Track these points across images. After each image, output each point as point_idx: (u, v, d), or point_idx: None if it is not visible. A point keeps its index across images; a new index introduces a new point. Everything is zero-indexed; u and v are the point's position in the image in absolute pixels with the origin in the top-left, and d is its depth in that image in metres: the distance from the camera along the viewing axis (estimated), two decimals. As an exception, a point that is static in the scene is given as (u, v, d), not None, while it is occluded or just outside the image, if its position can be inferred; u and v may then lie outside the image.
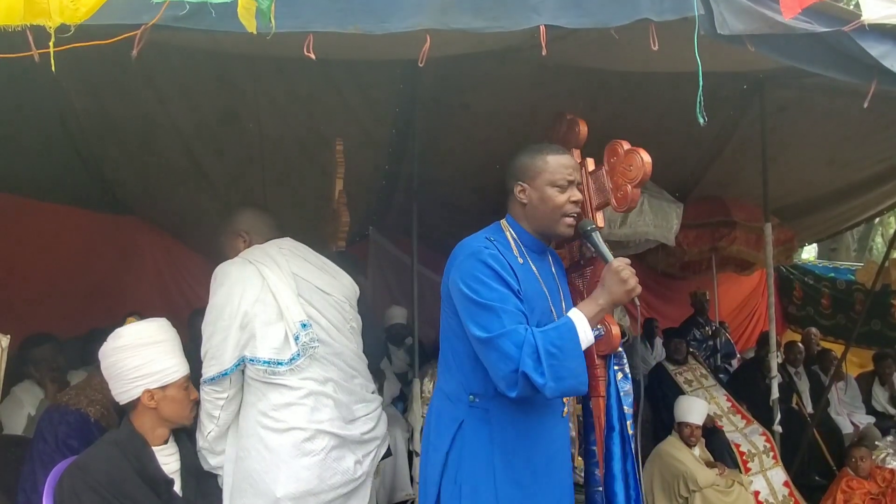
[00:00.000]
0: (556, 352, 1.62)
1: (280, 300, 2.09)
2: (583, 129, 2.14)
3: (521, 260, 1.85)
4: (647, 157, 1.90)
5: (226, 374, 2.05)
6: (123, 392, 1.95)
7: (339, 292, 2.29)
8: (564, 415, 1.89)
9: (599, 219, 2.06)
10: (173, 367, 2.00)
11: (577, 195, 1.86)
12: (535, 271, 1.86)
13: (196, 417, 2.11)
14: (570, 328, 1.67)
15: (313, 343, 2.09)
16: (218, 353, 2.05)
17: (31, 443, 2.38)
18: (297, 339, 2.06)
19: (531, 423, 1.81)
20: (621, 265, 1.74)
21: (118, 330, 2.03)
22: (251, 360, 2.06)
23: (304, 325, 2.08)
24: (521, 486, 1.77)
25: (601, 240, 1.87)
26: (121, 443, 1.92)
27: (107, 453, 1.89)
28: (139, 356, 1.95)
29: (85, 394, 2.38)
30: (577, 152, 2.15)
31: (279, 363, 2.05)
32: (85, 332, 3.93)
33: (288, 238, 2.36)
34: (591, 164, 2.11)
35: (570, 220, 1.86)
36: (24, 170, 3.61)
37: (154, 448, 1.97)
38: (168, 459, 2.00)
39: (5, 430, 2.89)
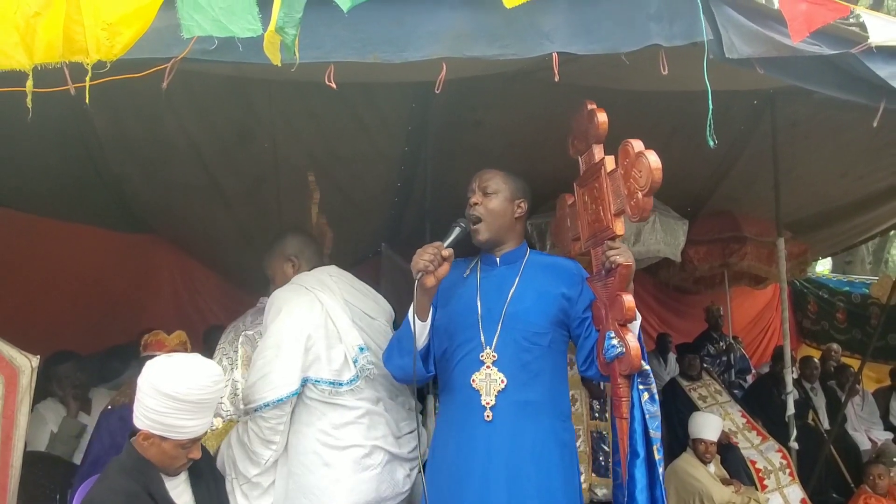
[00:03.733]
0: (399, 335, 2.04)
1: (338, 325, 2.19)
2: (601, 119, 1.96)
3: (467, 273, 2.08)
4: (654, 161, 1.71)
5: (294, 393, 2.10)
6: (134, 414, 1.83)
7: (382, 316, 2.39)
8: (488, 419, 1.88)
9: (619, 226, 1.89)
10: (186, 427, 1.79)
11: (473, 200, 2.03)
12: (478, 283, 2.05)
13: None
14: (406, 317, 1.96)
15: (370, 365, 2.19)
16: (283, 376, 2.09)
17: (87, 447, 2.54)
18: (355, 361, 2.16)
19: (452, 421, 1.98)
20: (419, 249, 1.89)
21: (166, 362, 1.82)
22: (315, 380, 2.14)
23: (361, 349, 2.19)
24: (445, 478, 1.91)
25: (451, 232, 1.96)
26: (129, 470, 1.80)
27: (118, 486, 1.77)
28: (159, 402, 1.75)
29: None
30: (598, 147, 2.00)
31: (340, 384, 2.15)
32: (103, 349, 4.00)
33: (334, 266, 2.46)
34: (609, 163, 1.92)
35: (473, 226, 2.02)
36: (44, 190, 3.68)
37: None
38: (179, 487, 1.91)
39: (28, 447, 2.93)
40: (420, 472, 2.14)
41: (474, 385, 1.91)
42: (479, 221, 2.01)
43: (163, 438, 1.79)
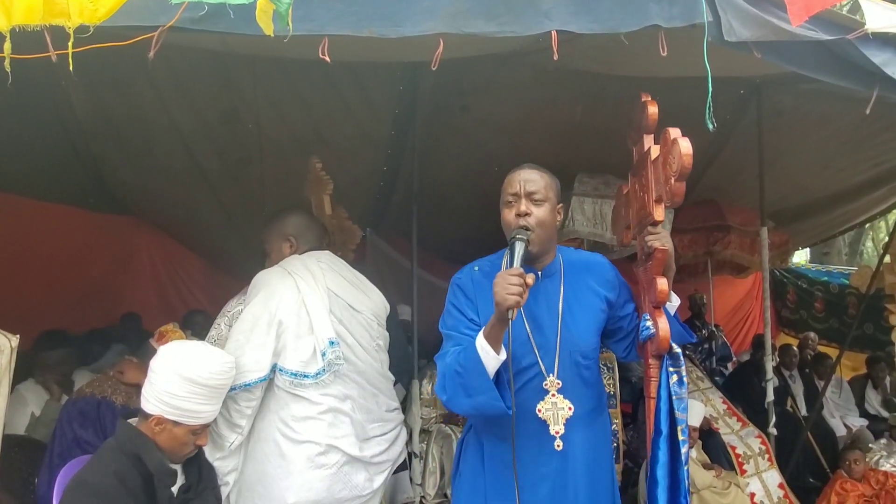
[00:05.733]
0: (461, 370, 1.69)
1: (312, 315, 2.12)
2: (651, 111, 1.90)
3: None
4: (686, 147, 1.65)
5: (264, 378, 2.07)
6: (145, 399, 1.85)
7: (368, 310, 2.31)
8: (559, 448, 1.77)
9: (658, 212, 1.84)
10: (201, 412, 1.85)
11: (523, 208, 1.77)
12: None
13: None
14: (472, 347, 1.69)
15: (339, 360, 2.12)
16: (253, 361, 2.06)
17: (52, 436, 2.47)
18: (323, 355, 2.09)
19: (518, 450, 1.76)
20: (498, 277, 1.63)
21: (183, 347, 1.90)
22: (280, 369, 2.10)
23: (331, 343, 2.11)
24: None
25: (518, 251, 1.71)
26: (122, 443, 1.82)
27: (107, 463, 1.79)
28: (178, 386, 1.81)
29: (108, 382, 2.43)
30: (648, 138, 1.96)
31: (305, 376, 2.08)
32: (83, 331, 3.93)
33: (327, 252, 2.37)
34: (654, 151, 1.86)
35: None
36: (21, 168, 3.59)
37: None
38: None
39: (7, 430, 2.86)
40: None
41: (541, 415, 1.79)
42: (530, 232, 1.77)
43: (176, 424, 1.81)
